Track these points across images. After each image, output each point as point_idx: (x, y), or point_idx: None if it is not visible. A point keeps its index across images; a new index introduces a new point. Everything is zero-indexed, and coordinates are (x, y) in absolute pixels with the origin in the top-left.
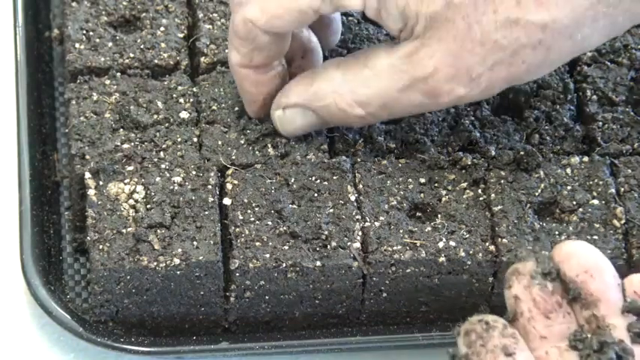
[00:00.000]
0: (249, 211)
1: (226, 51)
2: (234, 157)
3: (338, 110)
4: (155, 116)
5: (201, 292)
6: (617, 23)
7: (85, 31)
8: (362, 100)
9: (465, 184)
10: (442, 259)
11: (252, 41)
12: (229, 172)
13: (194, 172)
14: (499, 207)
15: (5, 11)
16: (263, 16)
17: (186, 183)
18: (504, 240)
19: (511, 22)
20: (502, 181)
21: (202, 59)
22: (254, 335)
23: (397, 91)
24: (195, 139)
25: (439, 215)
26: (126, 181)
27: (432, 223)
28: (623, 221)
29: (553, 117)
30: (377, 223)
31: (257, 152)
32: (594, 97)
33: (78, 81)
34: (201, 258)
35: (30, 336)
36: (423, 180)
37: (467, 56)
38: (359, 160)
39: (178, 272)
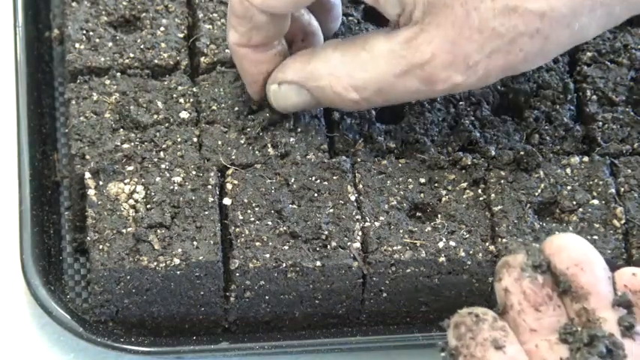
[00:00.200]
0: (249, 211)
1: (226, 51)
2: (234, 157)
3: (333, 93)
4: (155, 116)
5: (201, 292)
6: (614, 13)
7: (85, 31)
8: (358, 85)
9: (465, 184)
10: (442, 259)
11: (250, 20)
12: (229, 172)
13: (194, 172)
14: (499, 207)
15: (5, 11)
16: None
17: (186, 183)
18: (504, 240)
19: (509, 10)
20: (502, 181)
21: (202, 59)
22: (254, 335)
23: (394, 77)
24: (195, 139)
25: (439, 215)
26: (126, 181)
27: (432, 223)
28: (623, 221)
29: (553, 117)
30: (377, 223)
31: (257, 152)
32: (594, 97)
33: (78, 81)
34: (201, 258)
35: (30, 336)
36: (423, 180)
37: (465, 43)
38: (359, 160)
39: (178, 272)
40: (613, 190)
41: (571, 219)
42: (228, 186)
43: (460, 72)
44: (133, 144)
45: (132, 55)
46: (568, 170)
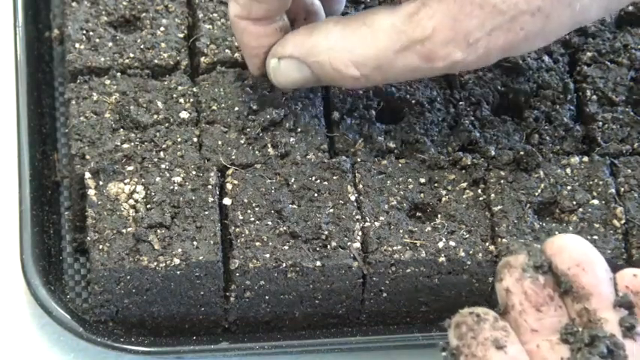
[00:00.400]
0: (249, 211)
1: (226, 51)
2: (234, 157)
3: (332, 69)
4: (155, 116)
5: (201, 292)
6: None
7: (85, 31)
8: (357, 60)
9: (465, 184)
10: (442, 259)
11: None
12: (229, 172)
13: (194, 172)
14: (499, 207)
15: (5, 11)
16: None
17: (186, 183)
18: (504, 240)
19: None
20: (502, 181)
21: (202, 59)
22: (254, 335)
23: (393, 52)
24: (195, 139)
25: (439, 215)
26: (126, 181)
27: (432, 223)
28: (623, 221)
29: (553, 117)
30: (377, 223)
31: (257, 152)
32: (594, 97)
33: (78, 81)
34: (201, 258)
35: (30, 336)
36: (423, 180)
37: (466, 19)
38: (359, 160)
39: (178, 272)
40: (613, 190)
41: (571, 219)
42: (228, 186)
43: (460, 49)
44: (133, 144)
45: (132, 55)
46: (568, 170)
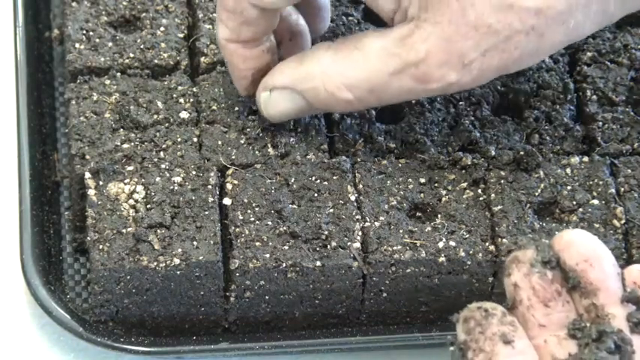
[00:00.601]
0: (249, 211)
1: None
2: (234, 157)
3: (326, 93)
4: (155, 116)
5: (201, 292)
6: (609, 11)
7: (85, 31)
8: (351, 83)
9: (465, 184)
10: (442, 259)
11: (240, 15)
12: (229, 172)
13: (194, 172)
14: (499, 207)
15: (5, 11)
16: None
17: (186, 183)
18: (504, 240)
19: (505, 7)
20: (502, 181)
21: (202, 59)
22: (254, 335)
23: (387, 75)
24: (195, 139)
25: (439, 215)
26: (126, 181)
27: (432, 223)
28: (623, 221)
29: (553, 117)
30: (377, 223)
31: (257, 152)
32: (594, 97)
33: (78, 81)
34: (201, 258)
35: (30, 336)
36: (423, 180)
37: (460, 41)
38: (359, 160)
39: (178, 272)
40: (613, 190)
41: (571, 219)
42: (228, 186)
43: (455, 71)
44: (133, 144)
45: (132, 55)
46: (568, 170)
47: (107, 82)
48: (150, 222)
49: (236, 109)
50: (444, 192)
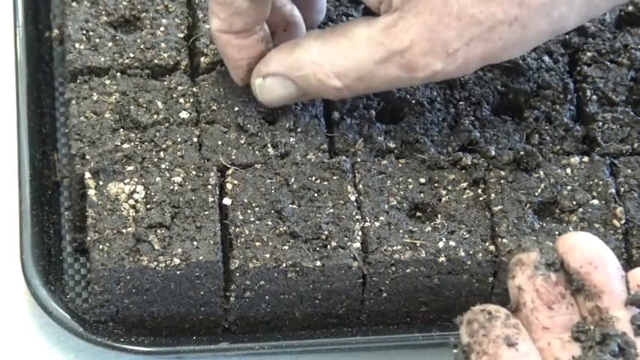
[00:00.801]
0: (249, 211)
1: None
2: (234, 157)
3: (316, 81)
4: (155, 116)
5: (201, 292)
6: (594, 3)
7: (85, 31)
8: (339, 72)
9: (465, 184)
10: (442, 259)
11: (231, 6)
12: (229, 172)
13: (194, 172)
14: (499, 207)
15: (5, 11)
16: None
17: (186, 183)
18: (504, 240)
19: None
20: (502, 181)
21: (202, 59)
22: (254, 335)
23: (374, 64)
24: (195, 139)
25: (439, 215)
26: (126, 181)
27: (432, 223)
28: (623, 221)
29: (553, 117)
30: (377, 223)
31: (257, 152)
32: (594, 97)
33: (78, 81)
34: (201, 258)
35: (30, 336)
36: (423, 180)
37: (443, 31)
38: (359, 160)
39: (178, 272)
40: (613, 190)
41: (571, 219)
42: (228, 186)
43: (440, 59)
44: (133, 144)
45: (132, 55)
46: (568, 170)
47: (107, 82)
48: (150, 222)
49: (236, 109)
50: (444, 192)
